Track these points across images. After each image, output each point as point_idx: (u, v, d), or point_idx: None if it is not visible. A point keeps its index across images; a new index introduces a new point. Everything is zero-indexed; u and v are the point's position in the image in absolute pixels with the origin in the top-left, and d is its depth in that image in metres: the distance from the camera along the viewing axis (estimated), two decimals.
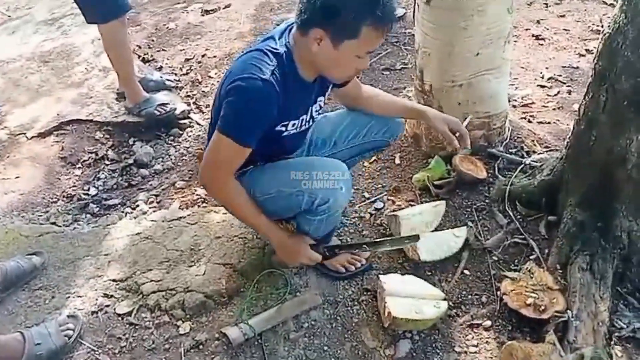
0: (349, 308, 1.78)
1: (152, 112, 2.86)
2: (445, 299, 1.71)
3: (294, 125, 1.66)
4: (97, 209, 2.50)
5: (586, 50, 3.12)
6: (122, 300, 1.88)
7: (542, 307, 1.61)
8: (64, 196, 2.57)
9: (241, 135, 1.51)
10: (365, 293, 1.82)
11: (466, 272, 1.85)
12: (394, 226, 1.95)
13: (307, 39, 1.48)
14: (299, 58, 1.55)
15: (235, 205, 1.67)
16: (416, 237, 1.75)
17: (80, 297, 1.91)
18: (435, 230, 1.96)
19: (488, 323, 1.68)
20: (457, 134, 1.81)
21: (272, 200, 1.63)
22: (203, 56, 3.46)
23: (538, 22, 3.47)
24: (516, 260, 1.85)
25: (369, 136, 1.91)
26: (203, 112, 3.00)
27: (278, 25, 1.66)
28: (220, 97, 1.56)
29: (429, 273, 1.85)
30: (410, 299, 1.68)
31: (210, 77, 3.26)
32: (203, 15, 4.03)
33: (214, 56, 3.44)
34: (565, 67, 2.99)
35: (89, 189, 2.62)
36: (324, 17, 1.42)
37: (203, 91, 3.15)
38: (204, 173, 1.62)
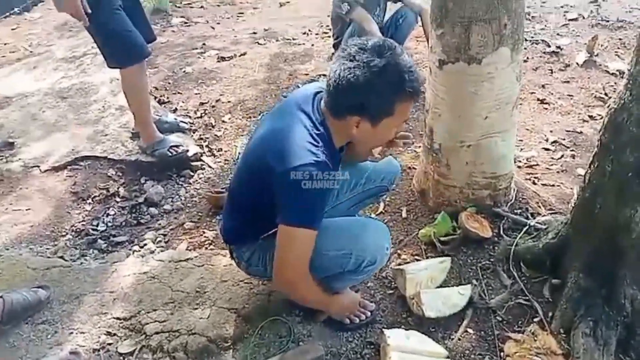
0: None
1: (164, 152, 2.94)
2: (448, 357, 1.71)
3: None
4: (105, 245, 2.52)
5: (589, 116, 3.21)
6: (124, 340, 1.87)
7: None
8: (72, 230, 2.60)
9: (315, 220, 1.50)
10: (368, 346, 1.81)
11: (470, 330, 1.85)
12: (400, 280, 1.96)
13: (344, 122, 1.52)
14: (334, 133, 1.58)
15: (313, 293, 1.68)
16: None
17: (82, 333, 1.90)
18: (440, 286, 1.98)
19: None
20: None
21: (311, 262, 1.58)
22: (217, 101, 3.57)
23: (543, 86, 3.58)
24: (520, 322, 1.85)
25: (368, 184, 1.98)
26: (215, 155, 3.07)
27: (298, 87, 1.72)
28: (264, 172, 1.53)
29: (433, 329, 1.85)
30: (414, 355, 1.68)
31: (223, 121, 3.34)
32: (219, 61, 4.17)
33: (228, 101, 3.54)
34: (569, 131, 3.06)
35: (97, 225, 2.65)
36: (358, 109, 1.48)
37: (216, 135, 3.23)
38: (287, 275, 1.58)
